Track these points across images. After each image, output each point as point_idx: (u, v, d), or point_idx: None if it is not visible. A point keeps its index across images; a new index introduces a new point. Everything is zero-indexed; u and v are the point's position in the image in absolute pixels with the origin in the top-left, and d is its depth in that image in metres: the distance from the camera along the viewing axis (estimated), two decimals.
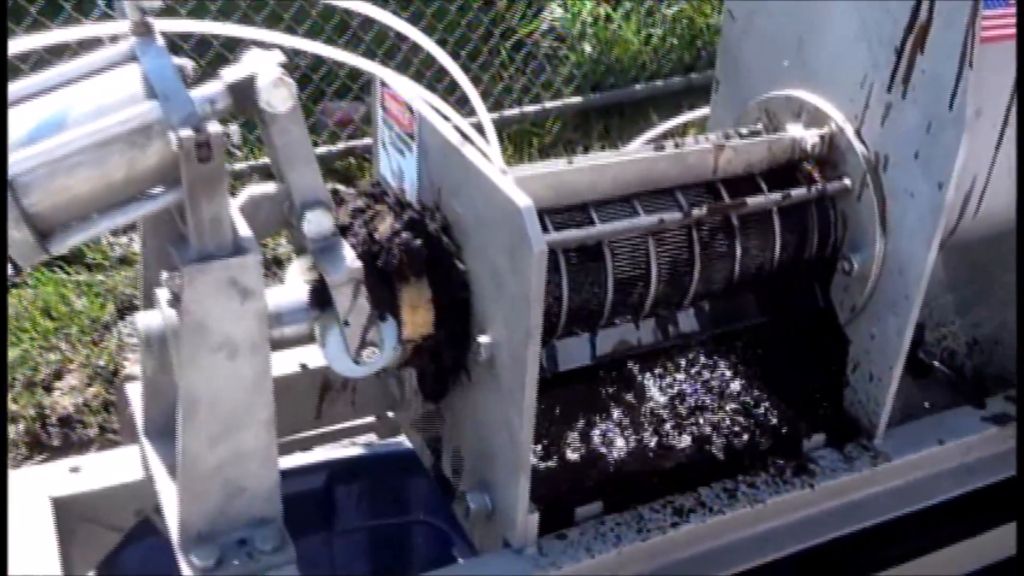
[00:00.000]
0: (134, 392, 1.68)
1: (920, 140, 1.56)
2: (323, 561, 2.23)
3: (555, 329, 1.56)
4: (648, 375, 1.86)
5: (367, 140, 4.43)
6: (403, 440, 2.01)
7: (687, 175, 1.63)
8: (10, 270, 1.19)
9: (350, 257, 1.35)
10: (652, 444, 1.73)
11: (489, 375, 1.44)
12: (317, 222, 1.33)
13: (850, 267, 1.70)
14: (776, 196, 1.66)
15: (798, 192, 1.68)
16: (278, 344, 1.40)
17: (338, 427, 2.02)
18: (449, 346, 1.48)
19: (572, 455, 1.70)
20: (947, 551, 1.84)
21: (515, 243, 1.28)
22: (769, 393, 1.85)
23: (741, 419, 1.80)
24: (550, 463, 1.68)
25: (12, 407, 3.21)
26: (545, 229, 1.47)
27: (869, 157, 1.66)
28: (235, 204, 1.33)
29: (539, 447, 1.70)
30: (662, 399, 1.83)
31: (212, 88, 1.23)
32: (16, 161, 1.13)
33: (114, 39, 1.24)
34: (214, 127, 1.16)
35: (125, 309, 3.65)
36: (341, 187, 1.52)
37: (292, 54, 4.37)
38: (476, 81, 4.77)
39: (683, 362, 1.89)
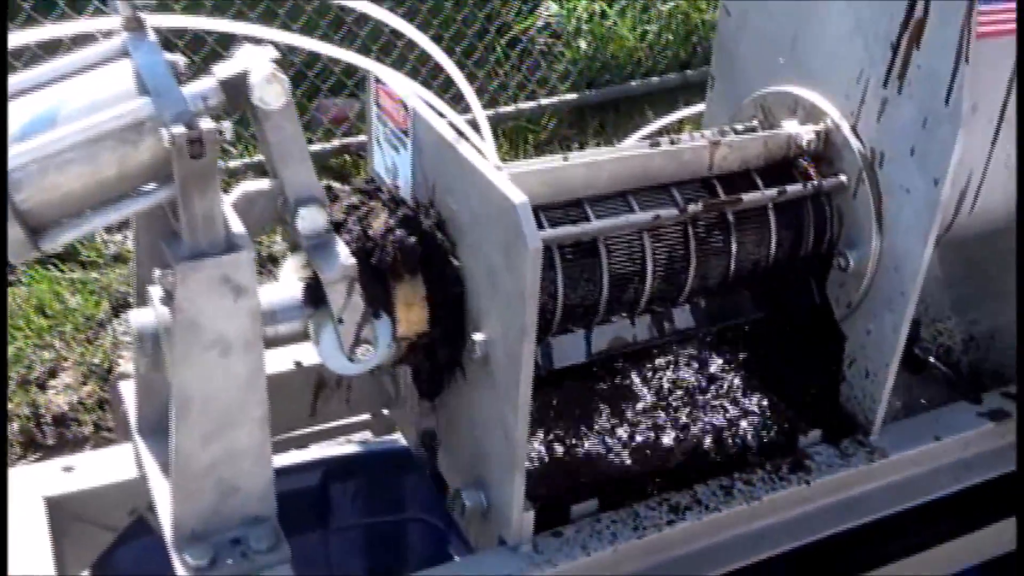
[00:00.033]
0: (127, 390, 1.67)
1: (916, 136, 1.55)
2: (319, 559, 2.23)
3: (550, 326, 1.55)
4: (643, 372, 1.86)
5: (362, 137, 4.41)
6: (398, 438, 2.01)
7: (683, 171, 1.63)
8: None
9: (344, 254, 1.35)
10: (648, 441, 1.73)
11: (484, 373, 1.43)
12: (311, 219, 1.33)
13: (846, 263, 1.70)
14: (772, 192, 1.66)
15: (794, 188, 1.67)
16: (272, 342, 1.39)
17: (333, 425, 2.01)
18: (444, 344, 1.47)
19: (567, 452, 1.69)
20: (944, 547, 1.84)
21: (510, 240, 1.27)
22: (765, 389, 1.84)
23: (737, 416, 1.79)
24: (545, 460, 1.68)
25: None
26: (540, 226, 1.46)
27: (865, 153, 1.65)
28: (229, 201, 1.33)
29: (534, 444, 1.69)
30: (658, 396, 1.82)
31: (205, 84, 1.22)
32: (8, 157, 1.12)
33: (108, 35, 1.24)
34: (206, 123, 1.15)
35: (119, 307, 3.64)
36: (335, 184, 1.52)
37: (287, 51, 4.36)
38: (471, 78, 4.77)
39: (679, 359, 1.89)
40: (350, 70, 4.62)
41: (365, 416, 2.05)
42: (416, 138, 1.50)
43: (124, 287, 3.71)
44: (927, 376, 2.03)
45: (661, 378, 1.85)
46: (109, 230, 3.97)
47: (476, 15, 5.07)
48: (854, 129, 1.67)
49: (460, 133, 1.42)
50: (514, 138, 4.89)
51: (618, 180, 1.57)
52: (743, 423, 1.78)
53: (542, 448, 1.70)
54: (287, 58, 4.42)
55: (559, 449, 1.70)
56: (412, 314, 1.43)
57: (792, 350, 1.86)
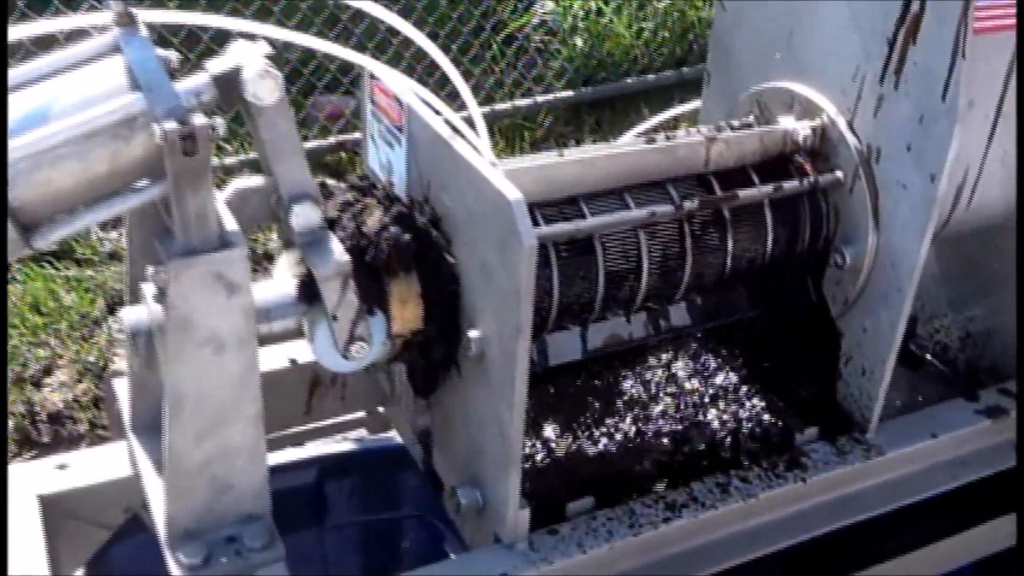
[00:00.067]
0: (121, 388, 1.66)
1: (913, 132, 1.55)
2: (315, 557, 2.22)
3: (545, 323, 1.55)
4: (639, 370, 1.85)
5: (358, 134, 4.41)
6: (394, 435, 2.00)
7: (678, 168, 1.62)
8: None
9: (338, 251, 1.34)
10: (643, 439, 1.73)
11: (479, 370, 1.43)
12: (305, 215, 1.32)
13: (842, 260, 1.69)
14: (768, 189, 1.65)
15: (790, 185, 1.67)
16: (266, 339, 1.38)
17: (328, 422, 2.01)
18: (439, 341, 1.47)
19: (563, 450, 1.69)
20: (940, 545, 1.83)
21: (505, 237, 1.27)
22: (761, 387, 1.84)
23: (733, 413, 1.79)
24: (541, 458, 1.67)
25: None
26: (535, 223, 1.45)
27: (861, 149, 1.65)
28: (222, 197, 1.32)
29: (530, 442, 1.69)
30: (653, 394, 1.82)
31: (197, 80, 1.21)
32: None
33: (101, 30, 1.23)
34: (199, 119, 1.14)
35: (115, 304, 3.63)
36: (330, 181, 1.51)
37: (282, 47, 4.36)
38: (467, 75, 4.76)
39: (674, 356, 1.88)
40: (346, 67, 4.61)
41: (361, 414, 2.05)
42: (411, 135, 1.49)
43: (119, 285, 3.70)
44: (924, 373, 2.02)
45: (657, 376, 1.85)
46: (104, 227, 3.96)
47: (472, 12, 5.07)
48: (850, 125, 1.66)
49: (455, 130, 1.42)
50: (510, 136, 4.88)
51: (613, 177, 1.57)
52: (739, 421, 1.77)
53: (538, 446, 1.69)
54: (282, 55, 4.43)
55: (555, 447, 1.69)
56: (407, 311, 1.42)
57: (788, 347, 1.86)
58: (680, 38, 5.46)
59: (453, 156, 1.36)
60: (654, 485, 1.62)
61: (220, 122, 1.16)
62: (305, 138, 4.59)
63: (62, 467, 1.75)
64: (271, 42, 1.29)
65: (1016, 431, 1.86)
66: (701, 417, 1.78)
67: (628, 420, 1.76)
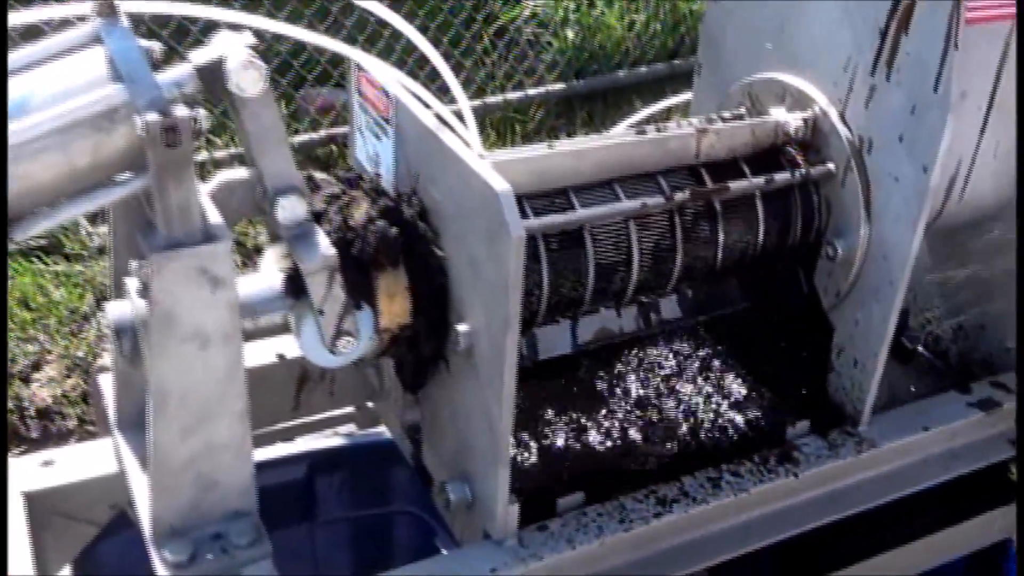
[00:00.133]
0: (107, 383, 1.65)
1: (905, 123, 1.53)
2: (305, 552, 2.22)
3: (535, 317, 1.53)
4: (630, 363, 1.84)
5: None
6: (384, 430, 1.99)
7: (669, 159, 1.61)
8: None
9: (324, 244, 1.32)
10: (634, 433, 1.71)
11: (468, 364, 1.41)
12: (290, 208, 1.30)
13: (834, 252, 1.68)
14: (759, 180, 1.64)
15: (781, 176, 1.66)
16: (252, 334, 1.37)
17: (317, 418, 1.99)
18: (427, 335, 1.45)
19: (553, 445, 1.68)
20: (933, 538, 1.83)
21: (493, 229, 1.25)
22: (753, 380, 1.83)
23: (724, 407, 1.78)
24: (531, 453, 1.66)
25: None
26: (524, 214, 1.44)
27: (853, 140, 1.64)
28: (206, 190, 1.30)
29: (519, 437, 1.68)
30: (644, 387, 1.81)
31: (180, 71, 1.19)
32: None
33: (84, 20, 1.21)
34: (181, 111, 1.12)
35: (104, 300, 3.61)
36: (317, 173, 1.49)
37: (273, 40, 4.33)
38: (459, 68, 4.75)
39: (666, 349, 1.87)
40: (336, 60, 4.60)
41: (349, 409, 2.04)
42: (398, 126, 1.47)
43: (108, 280, 3.68)
44: (916, 366, 2.02)
45: (647, 369, 1.84)
46: (93, 222, 3.94)
47: (462, 4, 5.05)
48: (842, 116, 1.65)
49: (443, 121, 1.40)
50: (502, 129, 4.87)
51: (604, 168, 1.55)
52: (731, 414, 1.76)
53: (528, 440, 1.68)
54: (273, 47, 4.41)
55: (545, 442, 1.68)
56: (395, 305, 1.41)
57: (780, 340, 1.85)
58: (672, 30, 5.45)
59: (440, 148, 1.35)
60: (645, 480, 1.60)
61: (203, 114, 1.14)
62: (295, 131, 4.57)
63: (47, 464, 1.73)
64: (259, 33, 1.28)
65: (1016, 426, 1.85)
66: (692, 410, 1.76)
67: (618, 414, 1.74)
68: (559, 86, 5.11)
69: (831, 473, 1.68)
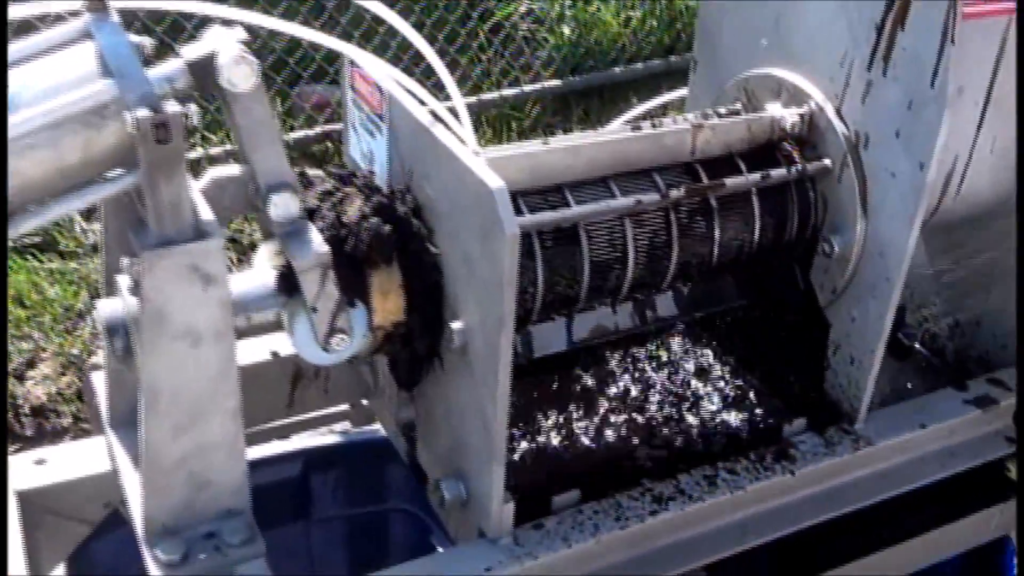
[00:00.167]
0: (99, 381, 1.64)
1: (901, 118, 1.53)
2: (300, 550, 2.21)
3: (530, 314, 1.52)
4: (626, 360, 1.83)
5: None
6: (379, 427, 1.98)
7: (664, 156, 1.60)
8: None
9: (317, 241, 1.31)
10: (630, 430, 1.71)
11: (462, 362, 1.41)
12: (283, 205, 1.29)
13: (830, 249, 1.67)
14: (755, 177, 1.63)
15: (778, 173, 1.65)
16: (245, 331, 1.36)
17: (311, 415, 1.98)
18: (421, 333, 1.44)
19: (548, 443, 1.67)
20: (930, 535, 1.82)
21: (487, 226, 1.24)
22: (749, 377, 1.82)
23: (721, 404, 1.77)
24: (526, 451, 1.65)
25: None
26: (519, 211, 1.43)
27: (849, 136, 1.63)
28: (198, 187, 1.29)
29: (514, 435, 1.67)
30: (640, 384, 1.80)
31: (171, 66, 1.18)
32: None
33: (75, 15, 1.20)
34: (172, 107, 1.11)
35: (98, 297, 3.60)
36: (310, 170, 1.48)
37: (268, 36, 4.32)
38: (454, 64, 4.74)
39: (661, 347, 1.86)
40: (331, 56, 4.58)
41: (344, 406, 2.03)
42: (392, 123, 1.46)
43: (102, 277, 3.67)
44: (912, 363, 2.01)
45: (643, 366, 1.83)
46: (88, 218, 3.93)
47: (458, 1, 5.03)
48: (838, 112, 1.64)
49: (436, 117, 1.39)
50: (498, 126, 4.86)
51: (599, 165, 1.54)
52: (726, 412, 1.76)
53: (523, 438, 1.67)
54: (268, 44, 4.40)
55: (540, 439, 1.67)
56: (388, 302, 1.40)
57: (776, 337, 1.84)
58: (668, 26, 5.44)
59: (434, 144, 1.34)
60: (641, 478, 1.60)
61: (194, 109, 1.13)
62: (291, 128, 4.56)
63: (40, 462, 1.73)
64: (254, 30, 1.27)
65: (1016, 425, 1.84)
66: (688, 408, 1.76)
67: (614, 411, 1.74)
68: (555, 83, 5.10)
69: (828, 471, 1.68)
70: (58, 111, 1.11)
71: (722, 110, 1.76)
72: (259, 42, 4.31)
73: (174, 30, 3.95)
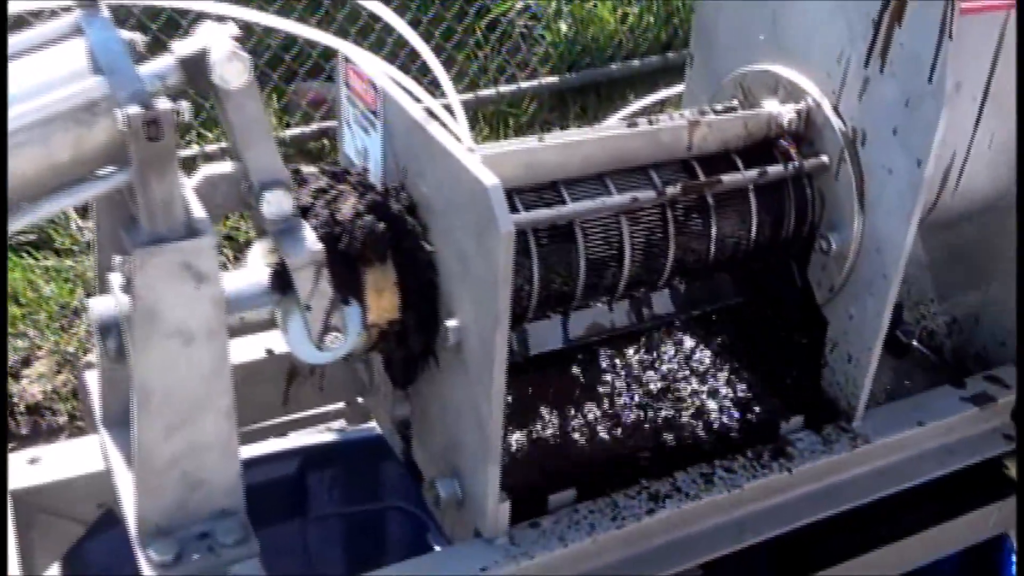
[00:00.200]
0: (93, 380, 1.63)
1: (899, 115, 1.52)
2: (297, 549, 2.20)
3: (526, 312, 1.52)
4: (622, 358, 1.82)
5: None
6: (375, 425, 1.97)
7: (661, 153, 1.59)
8: None
9: (311, 239, 1.30)
10: (626, 429, 1.70)
11: (457, 360, 1.40)
12: (276, 203, 1.28)
13: (828, 246, 1.67)
14: (752, 173, 1.62)
15: (775, 169, 1.64)
16: (238, 330, 1.35)
17: (307, 414, 1.97)
18: (416, 331, 1.44)
19: (544, 441, 1.66)
20: (928, 533, 1.82)
21: (482, 224, 1.23)
22: (746, 375, 1.82)
23: (717, 402, 1.76)
24: (522, 449, 1.64)
25: None
26: (514, 209, 1.42)
27: (847, 133, 1.62)
28: (190, 184, 1.28)
29: (510, 433, 1.66)
30: (636, 383, 1.79)
31: (162, 63, 1.17)
32: None
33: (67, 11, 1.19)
34: (163, 103, 1.10)
35: (94, 295, 3.59)
36: (303, 167, 1.47)
37: (264, 33, 4.31)
38: (451, 61, 4.73)
39: (658, 344, 1.86)
40: (328, 53, 4.56)
41: (340, 404, 2.02)
42: (386, 120, 1.45)
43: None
44: (910, 360, 2.01)
45: (639, 364, 1.82)
46: (84, 216, 3.92)
47: None
48: (836, 108, 1.63)
49: (431, 114, 1.38)
50: (494, 123, 4.85)
51: (595, 162, 1.53)
52: (724, 409, 1.75)
53: (519, 437, 1.66)
54: (264, 41, 4.38)
55: (536, 438, 1.67)
56: (383, 300, 1.39)
57: (773, 335, 1.83)
58: (665, 23, 5.43)
59: (429, 141, 1.33)
60: (637, 476, 1.59)
61: (185, 106, 1.12)
62: (287, 125, 4.55)
63: (34, 461, 1.71)
64: (250, 26, 1.26)
65: (1015, 424, 1.84)
66: (684, 406, 1.75)
67: (610, 410, 1.73)
68: (552, 79, 5.09)
69: (825, 469, 1.67)
70: (48, 108, 1.10)
71: (719, 107, 1.75)
72: (255, 38, 4.30)
73: (169, 27, 3.93)
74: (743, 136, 1.66)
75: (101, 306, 1.28)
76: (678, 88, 2.06)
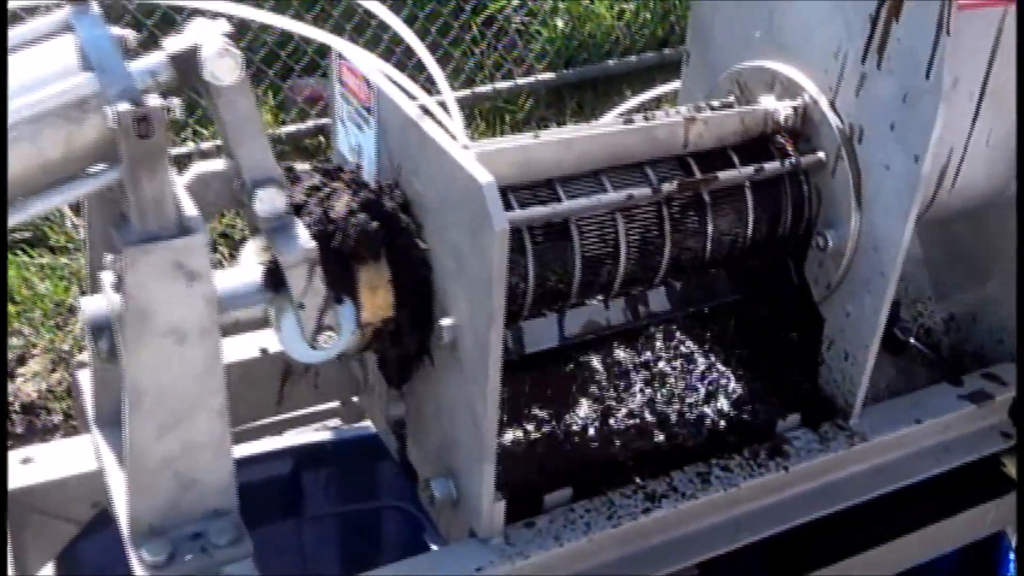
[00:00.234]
0: (86, 379, 1.62)
1: (896, 111, 1.51)
2: (292, 548, 2.20)
3: (521, 310, 1.51)
4: (617, 357, 1.82)
5: None
6: (371, 425, 1.96)
7: (657, 149, 1.58)
8: None
9: (304, 237, 1.29)
10: (622, 427, 1.69)
11: (452, 359, 1.39)
12: (269, 201, 1.27)
13: (825, 243, 1.66)
14: (749, 170, 1.61)
15: (771, 166, 1.63)
16: (231, 329, 1.34)
17: (301, 412, 1.96)
18: (410, 329, 1.43)
19: (540, 440, 1.65)
20: (926, 531, 1.81)
21: (476, 222, 1.22)
22: (742, 373, 1.81)
23: (714, 400, 1.76)
24: (517, 449, 1.63)
25: None
26: (509, 206, 1.41)
27: (844, 129, 1.61)
28: (182, 182, 1.27)
29: (505, 432, 1.65)
30: (632, 381, 1.78)
31: (153, 59, 1.16)
32: None
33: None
34: (154, 100, 1.09)
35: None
36: (297, 164, 1.47)
37: (260, 30, 4.30)
38: (447, 57, 4.72)
39: (654, 342, 1.85)
40: (324, 50, 4.55)
41: (335, 403, 2.01)
42: (380, 117, 1.44)
43: None
44: (908, 358, 2.00)
45: (635, 363, 1.81)
46: (79, 214, 3.91)
47: None
48: (832, 105, 1.62)
49: (425, 111, 1.37)
50: (491, 119, 4.84)
51: (590, 159, 1.52)
52: (720, 408, 1.74)
53: (514, 436, 1.65)
54: (259, 38, 4.37)
55: (531, 437, 1.66)
56: (377, 299, 1.38)
57: (770, 332, 1.82)
58: (662, 19, 5.42)
59: (423, 138, 1.32)
60: (633, 475, 1.58)
61: (176, 103, 1.11)
62: (283, 122, 4.54)
63: (26, 461, 1.70)
64: (245, 23, 1.25)
65: (1015, 423, 1.83)
66: (681, 404, 1.74)
67: (606, 408, 1.72)
68: (549, 76, 5.08)
69: (822, 467, 1.66)
70: (38, 105, 1.10)
71: (715, 103, 1.74)
72: (250, 35, 4.29)
73: (165, 23, 3.92)
74: (739, 133, 1.65)
75: (93, 305, 1.27)
76: (674, 84, 2.05)
